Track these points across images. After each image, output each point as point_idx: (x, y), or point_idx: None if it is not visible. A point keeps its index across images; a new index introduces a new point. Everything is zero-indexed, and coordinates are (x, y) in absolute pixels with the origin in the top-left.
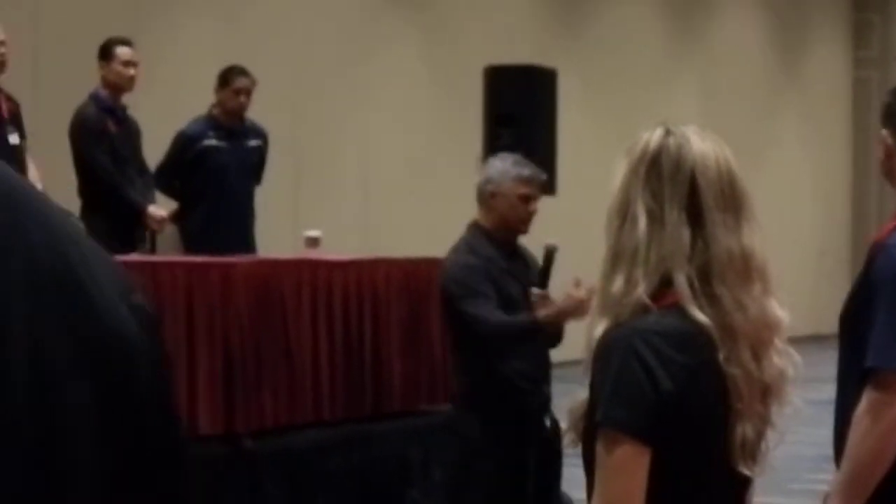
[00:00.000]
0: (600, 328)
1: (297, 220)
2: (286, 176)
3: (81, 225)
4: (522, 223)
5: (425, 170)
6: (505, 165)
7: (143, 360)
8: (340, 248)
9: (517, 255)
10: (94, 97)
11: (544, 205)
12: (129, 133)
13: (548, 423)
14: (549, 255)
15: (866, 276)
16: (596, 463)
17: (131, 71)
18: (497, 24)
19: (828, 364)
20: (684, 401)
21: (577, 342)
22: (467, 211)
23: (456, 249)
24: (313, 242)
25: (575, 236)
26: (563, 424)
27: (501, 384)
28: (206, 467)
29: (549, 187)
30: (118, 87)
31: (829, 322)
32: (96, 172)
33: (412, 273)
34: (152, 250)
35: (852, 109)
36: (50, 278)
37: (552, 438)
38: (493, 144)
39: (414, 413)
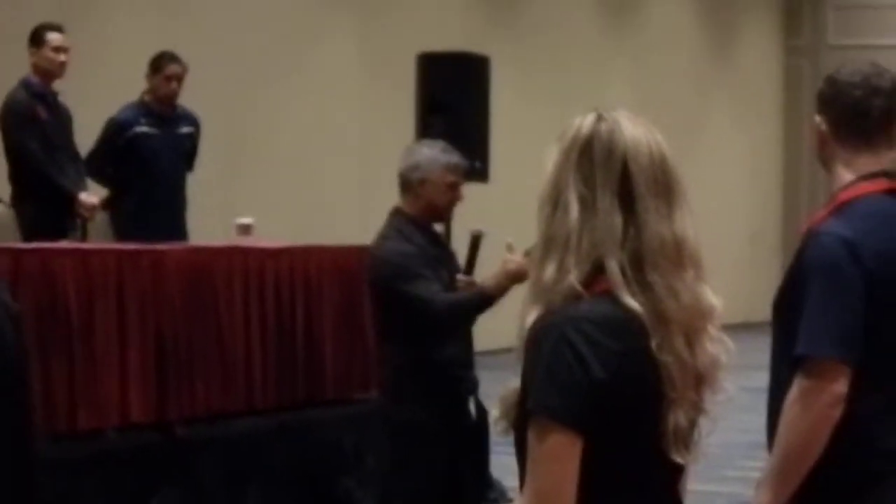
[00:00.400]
0: (532, 315)
1: (229, 207)
2: (219, 163)
3: None
4: (447, 210)
5: (358, 157)
6: (433, 153)
7: (11, 344)
8: (273, 235)
9: (440, 242)
10: (24, 83)
11: (478, 192)
12: (61, 119)
13: (473, 408)
14: (476, 241)
15: (798, 263)
16: (528, 452)
17: (62, 57)
18: (429, 11)
19: (760, 351)
20: (616, 388)
21: (505, 330)
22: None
23: (386, 237)
24: (245, 230)
25: (508, 223)
26: (493, 411)
27: (434, 371)
28: (138, 455)
29: (482, 174)
30: (49, 73)
31: (761, 309)
32: (26, 159)
33: (344, 260)
34: (83, 237)
35: (784, 96)
36: None
37: (479, 423)
38: (425, 132)
39: (347, 401)
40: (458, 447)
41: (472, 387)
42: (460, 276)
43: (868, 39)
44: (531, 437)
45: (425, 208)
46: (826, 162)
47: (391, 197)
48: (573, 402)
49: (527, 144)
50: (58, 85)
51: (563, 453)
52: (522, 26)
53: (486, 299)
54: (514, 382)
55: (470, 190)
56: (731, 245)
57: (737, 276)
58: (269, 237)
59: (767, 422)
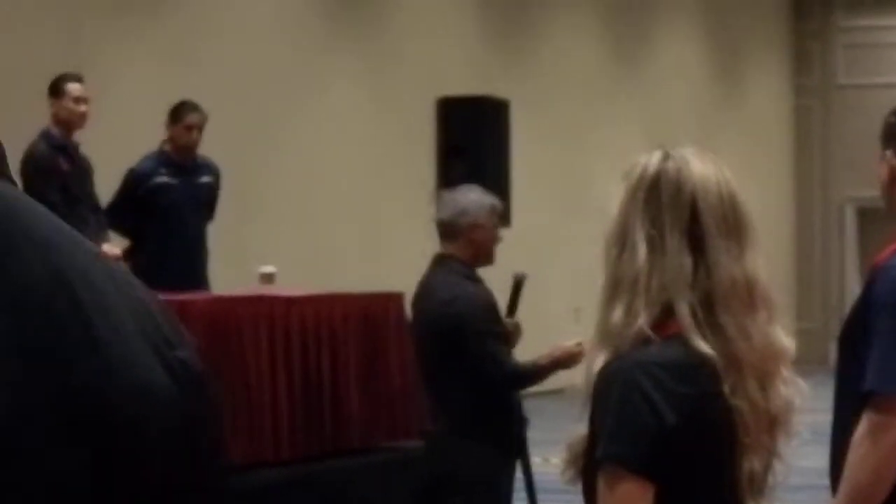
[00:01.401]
0: (600, 360)
1: (244, 255)
2: (233, 211)
3: (120, 269)
4: (493, 253)
5: (377, 202)
6: (478, 196)
7: (167, 414)
8: (291, 282)
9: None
10: (44, 134)
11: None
12: (82, 170)
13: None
14: (518, 283)
15: (865, 298)
16: (598, 500)
17: (83, 107)
18: (445, 55)
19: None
20: (688, 434)
21: None
22: (420, 242)
23: (457, 283)
24: (268, 279)
25: (530, 265)
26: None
27: (504, 414)
28: None
29: (503, 217)
30: (69, 123)
31: None
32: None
33: (369, 308)
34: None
35: (794, 136)
36: (39, 310)
37: (525, 461)
38: (446, 176)
39: (373, 450)
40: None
41: (525, 428)
42: (506, 319)
43: (878, 78)
44: (601, 485)
45: (476, 252)
46: (893, 197)
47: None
48: (644, 449)
49: (544, 186)
50: (79, 135)
51: (634, 501)
52: (536, 68)
53: (540, 375)
54: (581, 429)
55: None
56: None
57: (781, 324)
58: (291, 285)
59: (831, 459)
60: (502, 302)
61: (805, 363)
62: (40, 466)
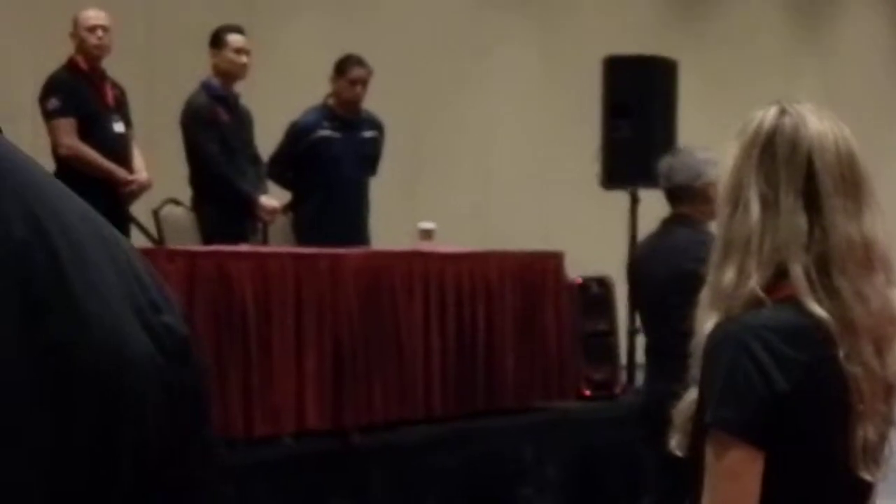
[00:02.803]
0: (710, 323)
1: (410, 212)
2: (400, 168)
3: (109, 227)
4: None
5: (542, 162)
6: (708, 156)
7: (146, 381)
8: (457, 240)
9: None
10: (205, 85)
11: (662, 198)
12: (241, 122)
13: None
14: None
15: None
16: (706, 467)
17: (243, 59)
18: (616, 16)
19: None
20: (800, 401)
21: None
22: (584, 202)
23: (706, 243)
24: (427, 235)
25: None
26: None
27: None
28: (313, 462)
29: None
30: (230, 74)
31: None
32: (206, 162)
33: (527, 267)
34: (264, 241)
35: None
36: (17, 272)
37: None
38: (611, 136)
39: (527, 409)
40: None
41: None
42: None
43: None
44: (709, 452)
45: (713, 211)
46: None
47: (573, 200)
48: (754, 417)
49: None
50: (239, 87)
51: (742, 470)
52: (711, 32)
53: None
54: (692, 394)
55: (656, 196)
56: None
57: None
58: (454, 242)
59: None
60: None
61: None
62: (5, 428)
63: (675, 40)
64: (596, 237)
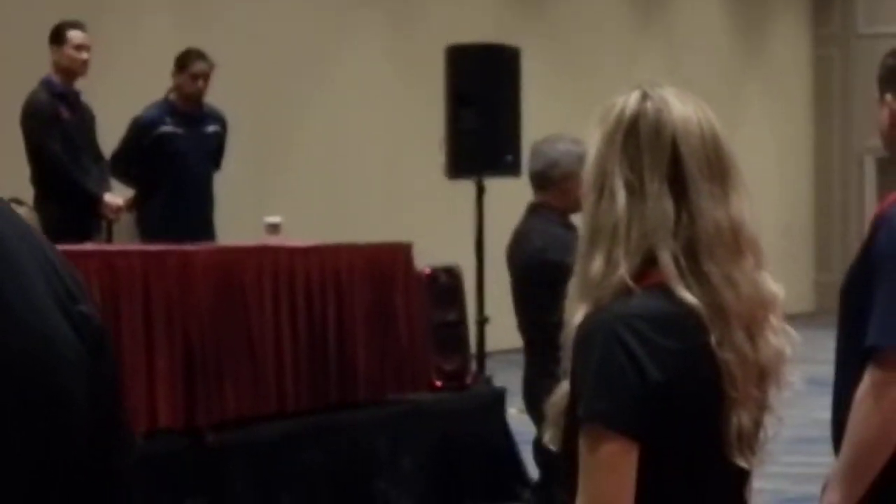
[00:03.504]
0: (580, 313)
1: (257, 206)
2: (246, 162)
3: (24, 221)
4: None
5: (390, 153)
6: (566, 146)
7: (74, 371)
8: (304, 234)
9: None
10: (45, 83)
11: (509, 186)
12: (83, 119)
13: None
14: None
15: (867, 250)
16: (580, 461)
17: (84, 55)
18: (458, 4)
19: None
20: (674, 390)
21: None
22: (430, 193)
23: (552, 233)
24: (274, 229)
25: None
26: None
27: None
28: (166, 461)
29: (514, 168)
30: (70, 71)
31: (794, 302)
32: (49, 160)
33: (376, 258)
34: (108, 239)
35: (814, 87)
36: None
37: None
38: (456, 126)
39: (380, 402)
40: None
41: None
42: None
43: None
44: (583, 445)
45: (572, 202)
46: (895, 143)
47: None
48: (628, 408)
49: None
50: (80, 84)
51: (618, 463)
52: (552, 19)
53: None
54: (563, 386)
55: (502, 184)
56: (764, 238)
57: (770, 268)
58: (301, 236)
59: (833, 417)
60: None
61: (824, 315)
62: None
63: (517, 28)
64: (444, 227)
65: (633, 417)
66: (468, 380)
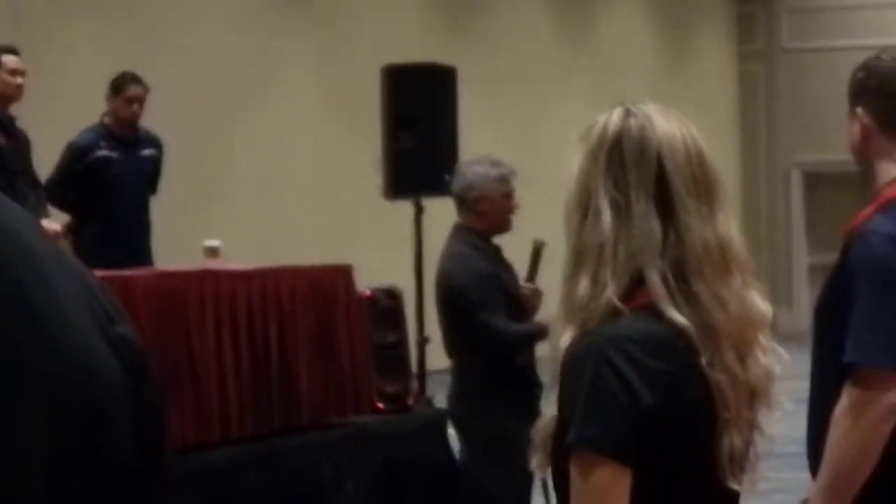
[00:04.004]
0: (567, 337)
1: (191, 230)
2: (180, 186)
3: (58, 246)
4: (509, 221)
5: (326, 175)
6: (484, 169)
7: (117, 399)
8: (241, 258)
9: (501, 255)
10: None
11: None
12: (19, 145)
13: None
14: (538, 249)
15: (842, 264)
16: (571, 488)
17: (18, 80)
18: (389, 24)
19: None
20: (666, 413)
21: None
22: (369, 215)
23: (459, 254)
24: (212, 252)
25: None
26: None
27: (514, 380)
28: None
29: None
30: (6, 97)
31: None
32: None
33: (317, 281)
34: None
35: (740, 102)
36: None
37: None
38: (394, 146)
39: (324, 426)
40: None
41: (540, 391)
42: (525, 284)
43: (822, 42)
44: (574, 472)
45: (489, 223)
46: (867, 157)
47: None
48: (619, 433)
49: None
50: (14, 109)
51: (610, 489)
52: (483, 38)
53: (542, 333)
54: (550, 411)
55: (441, 204)
56: None
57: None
58: (236, 260)
59: (808, 436)
60: (523, 268)
61: None
62: None
63: (449, 48)
64: (383, 248)
65: (625, 442)
66: (410, 401)
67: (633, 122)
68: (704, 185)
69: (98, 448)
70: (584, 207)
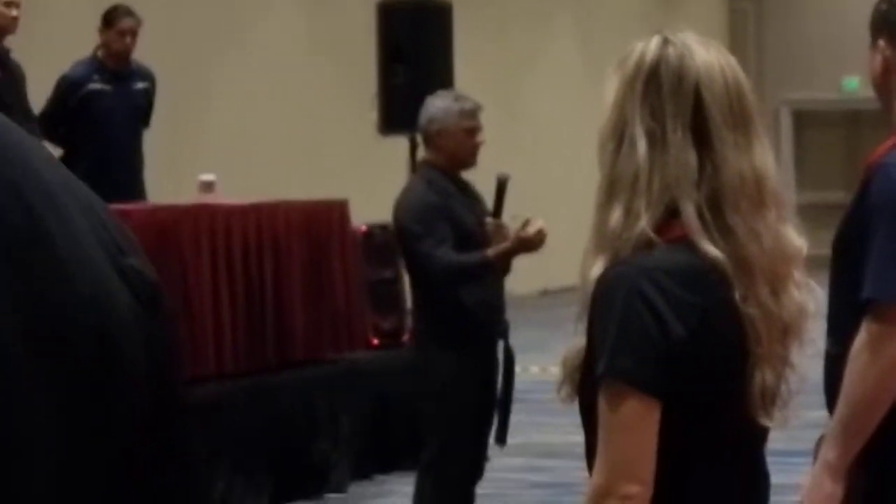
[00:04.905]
0: (598, 267)
1: (182, 163)
2: (171, 119)
3: (66, 169)
4: (471, 156)
5: (320, 111)
6: (446, 103)
7: (133, 335)
8: (230, 193)
9: (469, 189)
10: None
11: None
12: (13, 78)
13: (502, 352)
14: (502, 184)
15: (861, 199)
16: (599, 419)
17: (13, 12)
18: None
19: None
20: (697, 347)
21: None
22: (363, 150)
23: (411, 187)
24: (208, 187)
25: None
26: (554, 373)
27: (466, 315)
28: None
29: None
30: (1, 29)
31: None
32: None
33: (313, 216)
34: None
35: (729, 41)
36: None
37: (507, 368)
38: (388, 82)
39: (319, 361)
40: (488, 391)
41: (502, 331)
42: (489, 220)
43: None
44: (603, 403)
45: (448, 158)
46: (888, 89)
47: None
48: (649, 364)
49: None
50: (9, 41)
51: (639, 421)
52: None
53: (487, 266)
54: (578, 341)
55: None
56: None
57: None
58: (228, 195)
59: (825, 373)
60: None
61: None
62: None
63: None
64: (377, 184)
65: (656, 374)
66: (404, 338)
67: (671, 50)
68: (742, 117)
69: (111, 390)
70: (618, 136)
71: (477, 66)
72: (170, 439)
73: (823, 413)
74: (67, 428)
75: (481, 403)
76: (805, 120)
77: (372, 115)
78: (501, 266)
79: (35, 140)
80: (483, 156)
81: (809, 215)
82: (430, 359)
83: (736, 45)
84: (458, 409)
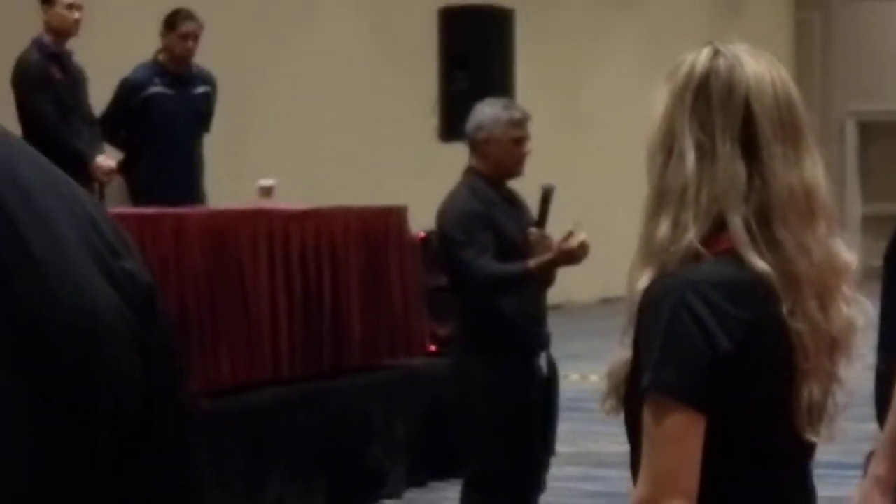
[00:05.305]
0: (645, 279)
1: (243, 168)
2: (231, 124)
3: (62, 175)
4: (517, 166)
5: (379, 115)
6: (495, 111)
7: (120, 340)
8: (288, 198)
9: (514, 198)
10: (37, 43)
11: None
12: (75, 80)
13: (544, 363)
14: (547, 195)
15: None
16: (643, 432)
17: (76, 14)
18: None
19: None
20: (743, 361)
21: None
22: (423, 157)
23: (455, 194)
24: (267, 192)
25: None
26: (600, 385)
27: (505, 325)
28: None
29: None
30: (62, 31)
31: None
32: (40, 122)
33: (371, 223)
34: (101, 202)
35: (795, 52)
36: None
37: (550, 379)
38: (448, 87)
39: (375, 367)
40: (527, 403)
41: (543, 342)
42: (532, 230)
43: None
44: (648, 416)
45: (494, 165)
46: None
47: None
48: (695, 378)
49: (550, 97)
50: (71, 44)
51: (683, 434)
52: None
53: (527, 277)
54: (624, 353)
55: None
56: None
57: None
58: (286, 200)
59: (876, 386)
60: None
61: None
62: None
63: None
64: (437, 190)
65: (701, 388)
66: None
67: (721, 61)
68: (792, 130)
69: (93, 397)
70: (667, 148)
71: (539, 73)
72: (169, 446)
73: (875, 426)
74: (45, 435)
75: (520, 415)
76: (871, 131)
77: (432, 121)
78: (543, 277)
79: (22, 141)
80: (546, 162)
81: (874, 226)
82: (465, 368)
83: (802, 56)
84: (493, 419)
